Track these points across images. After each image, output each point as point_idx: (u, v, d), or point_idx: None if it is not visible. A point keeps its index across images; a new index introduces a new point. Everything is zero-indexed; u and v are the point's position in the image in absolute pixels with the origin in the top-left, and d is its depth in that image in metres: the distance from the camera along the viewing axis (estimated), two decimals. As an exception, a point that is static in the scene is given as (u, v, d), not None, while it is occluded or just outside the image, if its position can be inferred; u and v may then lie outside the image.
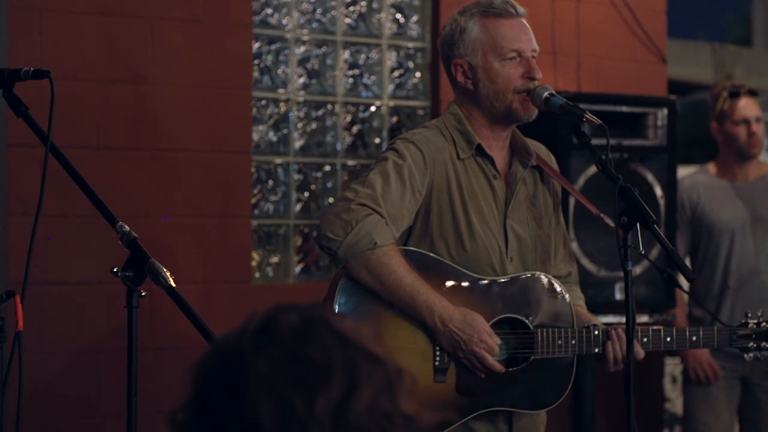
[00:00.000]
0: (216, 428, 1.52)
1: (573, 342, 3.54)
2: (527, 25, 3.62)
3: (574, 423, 5.38)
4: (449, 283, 3.51)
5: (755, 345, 3.77)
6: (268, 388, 1.50)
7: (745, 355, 3.79)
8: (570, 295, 3.65)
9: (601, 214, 3.71)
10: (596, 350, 3.57)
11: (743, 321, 3.80)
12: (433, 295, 3.42)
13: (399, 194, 3.47)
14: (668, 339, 3.62)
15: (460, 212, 3.55)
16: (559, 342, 3.54)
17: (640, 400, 3.93)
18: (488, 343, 3.44)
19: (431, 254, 3.53)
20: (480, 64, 3.58)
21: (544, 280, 3.60)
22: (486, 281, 3.54)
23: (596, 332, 3.56)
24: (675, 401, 7.70)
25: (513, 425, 3.58)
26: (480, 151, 3.60)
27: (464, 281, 3.52)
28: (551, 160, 3.77)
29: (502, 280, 3.55)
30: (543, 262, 3.65)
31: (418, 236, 3.56)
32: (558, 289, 3.61)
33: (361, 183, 3.51)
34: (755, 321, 3.78)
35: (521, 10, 3.61)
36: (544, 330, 3.53)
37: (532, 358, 3.54)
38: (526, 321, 3.55)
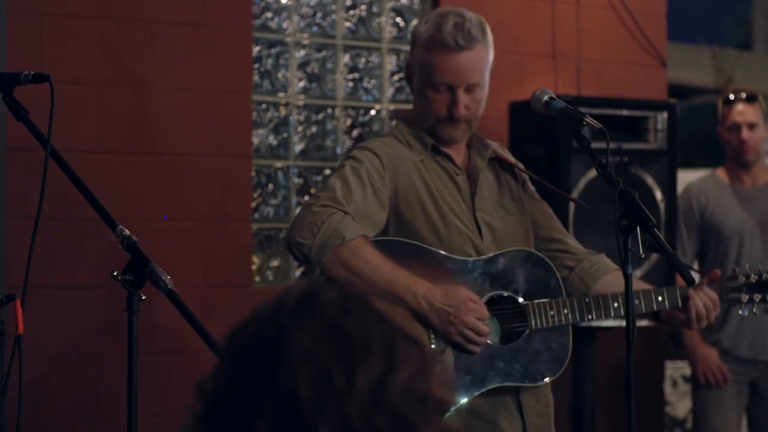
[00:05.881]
0: (250, 397, 1.51)
1: (565, 311, 3.58)
2: (474, 55, 3.57)
3: (574, 426, 5.37)
4: (433, 267, 3.52)
5: (748, 297, 3.77)
6: (307, 359, 1.49)
7: (740, 311, 3.78)
8: (604, 264, 3.73)
9: (573, 198, 3.77)
10: (589, 317, 3.61)
11: (731, 275, 3.80)
12: (412, 279, 3.43)
13: (360, 195, 3.50)
14: (660, 298, 3.63)
15: (432, 209, 3.59)
16: (552, 312, 3.57)
17: (640, 403, 3.92)
18: (477, 310, 3.46)
19: (411, 241, 3.56)
20: (416, 81, 3.63)
21: (528, 253, 3.64)
22: (469, 261, 3.57)
23: (587, 300, 3.60)
24: (675, 404, 7.70)
25: (520, 398, 3.60)
26: (436, 150, 3.65)
27: (448, 263, 3.55)
28: (506, 152, 3.83)
29: (486, 259, 3.59)
30: (522, 247, 3.68)
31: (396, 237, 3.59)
32: (543, 260, 3.65)
33: (321, 189, 3.57)
34: (744, 275, 3.78)
35: (472, 41, 3.56)
36: (535, 303, 3.57)
37: (527, 331, 3.57)
38: (515, 296, 3.58)
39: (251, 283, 5.22)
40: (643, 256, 3.33)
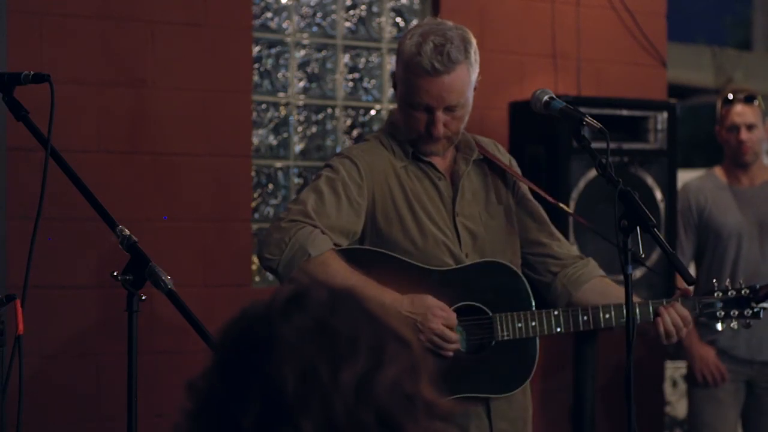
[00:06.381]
0: (238, 392, 1.53)
1: (533, 323, 3.60)
2: (453, 78, 3.54)
3: (574, 426, 5.37)
4: (402, 277, 3.54)
5: (724, 313, 3.76)
6: (294, 353, 1.52)
7: (717, 325, 3.78)
8: (589, 270, 3.78)
9: (560, 204, 3.84)
10: (558, 330, 3.62)
11: (708, 290, 3.80)
12: (379, 289, 3.44)
13: (334, 206, 3.53)
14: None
15: (407, 215, 3.61)
16: (519, 324, 3.59)
17: (640, 403, 3.93)
18: (444, 317, 3.48)
19: (381, 250, 3.57)
20: (398, 94, 3.64)
21: (499, 264, 3.65)
22: (439, 271, 3.59)
23: (555, 313, 3.62)
24: (675, 405, 7.70)
25: (490, 407, 3.63)
26: (417, 157, 3.66)
27: (417, 273, 3.56)
28: (500, 151, 3.82)
29: (456, 269, 3.60)
30: (503, 252, 3.70)
31: (371, 246, 3.61)
32: (514, 272, 3.66)
33: (293, 202, 3.60)
34: (722, 290, 3.77)
35: (451, 64, 3.52)
36: (503, 314, 3.59)
37: (493, 342, 3.59)
38: (484, 307, 3.60)
39: (251, 283, 5.22)
40: (643, 256, 3.33)
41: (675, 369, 7.56)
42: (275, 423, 1.50)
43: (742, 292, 3.77)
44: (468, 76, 3.57)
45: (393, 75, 3.67)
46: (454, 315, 3.50)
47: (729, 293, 3.76)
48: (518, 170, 3.83)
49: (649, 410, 6.08)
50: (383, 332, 1.57)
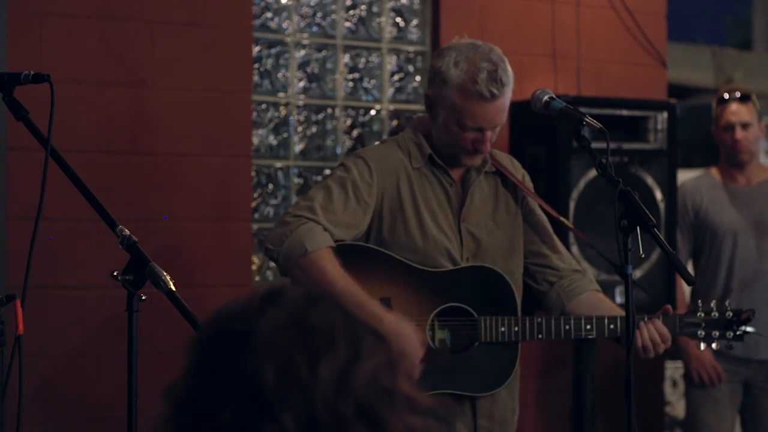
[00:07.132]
0: (217, 390, 1.54)
1: (516, 329, 3.71)
2: (504, 100, 3.71)
3: (574, 426, 5.37)
4: (394, 275, 3.68)
5: (705, 333, 3.79)
6: (271, 348, 1.53)
7: (698, 345, 3.83)
8: (583, 283, 3.88)
9: (562, 219, 3.94)
10: (539, 336, 3.73)
11: (691, 309, 3.84)
12: (363, 297, 3.54)
13: (342, 204, 3.68)
14: (612, 326, 3.74)
15: (412, 216, 3.73)
16: (503, 329, 3.71)
17: (640, 403, 3.93)
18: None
19: (378, 248, 3.71)
20: (442, 115, 3.73)
21: (488, 270, 3.77)
22: (431, 272, 3.72)
23: (539, 320, 3.72)
24: (675, 405, 7.70)
25: (476, 405, 3.76)
26: (432, 161, 3.79)
27: (409, 272, 3.69)
28: (515, 167, 3.94)
29: (447, 271, 3.74)
30: (505, 260, 3.82)
31: (375, 243, 3.74)
32: (503, 278, 3.77)
33: (302, 197, 3.77)
34: (705, 311, 3.80)
35: (503, 87, 3.68)
36: (488, 318, 3.70)
37: (476, 344, 3.71)
38: (470, 309, 3.71)
39: (251, 283, 5.22)
40: (642, 256, 3.33)
41: (675, 369, 7.55)
42: (256, 418, 1.51)
43: (726, 314, 3.80)
44: (510, 95, 3.76)
45: (428, 98, 3.77)
46: (418, 358, 3.56)
47: (712, 315, 3.80)
48: (531, 185, 3.96)
49: (649, 410, 6.08)
50: (359, 327, 1.58)
